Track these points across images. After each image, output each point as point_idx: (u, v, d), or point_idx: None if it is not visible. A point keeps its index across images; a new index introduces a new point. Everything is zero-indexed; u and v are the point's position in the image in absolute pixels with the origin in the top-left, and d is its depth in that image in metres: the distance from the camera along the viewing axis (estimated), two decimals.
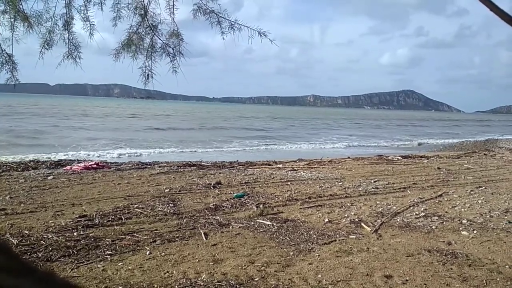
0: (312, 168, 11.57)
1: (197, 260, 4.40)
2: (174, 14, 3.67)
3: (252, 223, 5.81)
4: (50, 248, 4.58)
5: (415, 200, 7.48)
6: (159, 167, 10.91)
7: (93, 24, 3.69)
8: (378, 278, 4.01)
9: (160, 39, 3.78)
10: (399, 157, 14.56)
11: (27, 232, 5.13)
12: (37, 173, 9.60)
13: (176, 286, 3.78)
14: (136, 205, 6.57)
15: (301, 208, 6.76)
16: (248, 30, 3.55)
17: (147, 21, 3.67)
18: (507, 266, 4.40)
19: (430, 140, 31.15)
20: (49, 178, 8.88)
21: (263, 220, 5.96)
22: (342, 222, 6.01)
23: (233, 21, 3.63)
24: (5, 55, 3.46)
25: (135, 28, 3.69)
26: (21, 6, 3.44)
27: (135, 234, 5.16)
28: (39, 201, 6.78)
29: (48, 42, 3.60)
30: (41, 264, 4.21)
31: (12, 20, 3.42)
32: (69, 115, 45.22)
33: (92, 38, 3.70)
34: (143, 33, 3.72)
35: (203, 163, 11.79)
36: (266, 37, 3.54)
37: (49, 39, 3.60)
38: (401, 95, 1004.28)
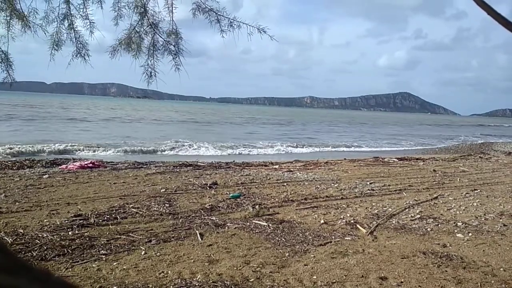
0: (308, 169, 11.59)
1: (193, 261, 4.39)
2: (173, 13, 3.67)
3: (248, 223, 5.81)
4: (45, 247, 4.56)
5: (411, 202, 7.51)
6: (155, 167, 10.90)
7: (93, 22, 3.68)
8: (373, 279, 4.02)
9: (161, 37, 3.77)
10: (395, 159, 14.61)
11: (21, 231, 5.10)
12: (32, 171, 9.55)
13: (171, 286, 3.77)
14: (131, 205, 6.55)
15: (297, 209, 6.77)
16: (247, 27, 3.55)
17: (148, 19, 3.66)
18: (501, 269, 4.42)
19: (426, 142, 31.24)
20: (44, 177, 8.84)
21: (259, 221, 5.95)
22: (337, 224, 6.02)
23: (232, 19, 3.63)
24: (0, 53, 3.44)
25: (134, 26, 3.68)
26: (18, 5, 3.42)
27: (130, 234, 5.15)
28: (34, 200, 6.74)
29: (56, 42, 3.59)
30: (36, 263, 4.18)
31: (8, 18, 3.40)
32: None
33: (91, 36, 3.69)
34: (143, 31, 3.71)
35: (199, 163, 11.78)
36: (265, 34, 3.55)
37: (57, 39, 3.59)
38: (397, 98, 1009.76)
